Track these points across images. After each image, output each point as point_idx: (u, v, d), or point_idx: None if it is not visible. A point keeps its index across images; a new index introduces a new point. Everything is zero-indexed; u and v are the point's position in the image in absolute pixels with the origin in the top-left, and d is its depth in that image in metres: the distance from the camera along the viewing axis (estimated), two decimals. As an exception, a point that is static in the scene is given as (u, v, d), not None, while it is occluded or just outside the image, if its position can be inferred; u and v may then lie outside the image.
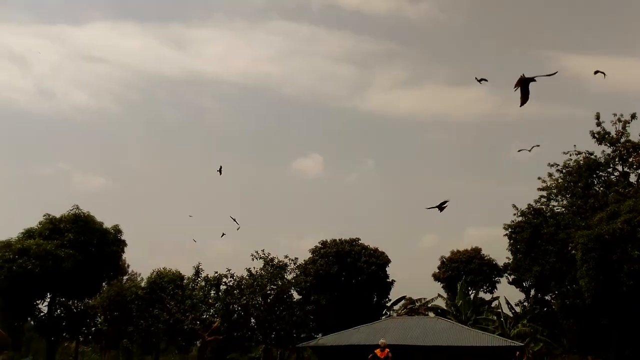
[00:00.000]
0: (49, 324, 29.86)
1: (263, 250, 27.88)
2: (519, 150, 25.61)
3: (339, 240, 38.25)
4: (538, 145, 15.01)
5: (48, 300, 30.05)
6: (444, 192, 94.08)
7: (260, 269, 27.62)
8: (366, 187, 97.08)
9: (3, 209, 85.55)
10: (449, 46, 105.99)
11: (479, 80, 9.62)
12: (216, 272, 27.73)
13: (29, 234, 29.25)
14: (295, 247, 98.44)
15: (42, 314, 30.04)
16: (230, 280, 27.09)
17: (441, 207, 9.65)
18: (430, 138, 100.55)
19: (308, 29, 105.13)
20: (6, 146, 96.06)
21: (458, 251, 41.98)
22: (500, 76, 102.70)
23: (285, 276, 27.96)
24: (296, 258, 28.81)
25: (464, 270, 39.55)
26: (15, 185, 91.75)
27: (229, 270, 27.35)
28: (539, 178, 33.49)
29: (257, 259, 27.76)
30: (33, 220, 30.67)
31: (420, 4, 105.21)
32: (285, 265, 28.02)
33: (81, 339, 42.62)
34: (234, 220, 20.16)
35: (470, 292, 36.53)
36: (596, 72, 10.22)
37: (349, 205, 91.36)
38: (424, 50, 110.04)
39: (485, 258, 40.93)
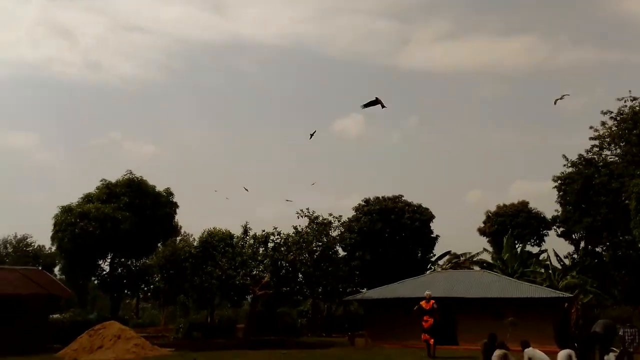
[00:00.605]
0: (111, 282, 31.98)
1: (308, 209, 28.44)
2: (556, 102, 20.64)
3: (382, 197, 38.43)
4: (565, 96, 14.19)
5: (109, 260, 32.07)
6: (490, 146, 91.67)
7: (306, 226, 28.22)
8: (409, 145, 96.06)
9: (63, 176, 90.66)
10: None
11: None
12: (263, 231, 28.63)
13: (88, 198, 31.00)
14: (339, 206, 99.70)
15: (104, 272, 32.13)
16: (277, 238, 27.88)
17: (378, 103, 9.61)
18: (476, 91, 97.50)
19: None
20: (62, 118, 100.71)
21: (504, 205, 41.36)
22: (551, 23, 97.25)
23: (330, 233, 28.46)
24: (340, 216, 29.22)
25: (510, 224, 39.03)
26: (72, 155, 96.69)
27: (275, 228, 28.14)
28: (591, 127, 32.19)
29: (302, 217, 28.36)
30: (90, 186, 32.44)
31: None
32: (330, 222, 28.47)
33: (141, 296, 45.45)
34: (246, 189, 21.98)
35: (517, 246, 36.15)
36: None
37: (392, 163, 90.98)
38: (467, 0, 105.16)
39: (533, 211, 40.16)
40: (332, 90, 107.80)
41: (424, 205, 38.11)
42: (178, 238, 39.75)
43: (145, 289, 36.93)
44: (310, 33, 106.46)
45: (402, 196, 38.49)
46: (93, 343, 21.26)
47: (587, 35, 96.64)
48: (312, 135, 18.43)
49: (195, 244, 31.88)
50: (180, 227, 44.17)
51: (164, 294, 37.67)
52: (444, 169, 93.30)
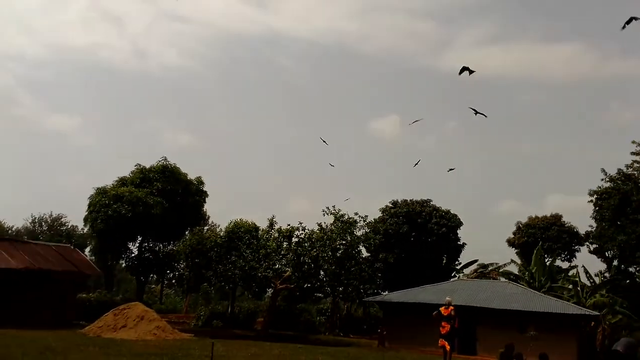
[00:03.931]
0: (138, 265, 32.75)
1: (334, 207, 28.48)
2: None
3: (410, 200, 38.15)
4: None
5: (138, 243, 32.83)
6: (528, 156, 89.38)
7: (331, 224, 28.27)
8: (444, 149, 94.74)
9: (102, 160, 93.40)
10: None
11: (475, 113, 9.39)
12: (289, 225, 28.87)
13: (122, 182, 31.79)
14: (367, 206, 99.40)
15: (132, 255, 32.93)
16: (302, 233, 28.05)
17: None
18: (518, 98, 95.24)
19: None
20: (106, 103, 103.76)
21: (536, 217, 40.46)
22: (602, 30, 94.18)
23: (355, 232, 28.41)
24: (366, 216, 29.12)
25: (541, 237, 38.15)
26: (112, 139, 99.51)
27: (300, 223, 28.33)
28: (634, 142, 31.13)
29: (327, 214, 28.42)
30: (126, 170, 33.32)
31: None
32: (355, 222, 28.42)
33: (165, 282, 46.40)
34: (324, 141, 22.60)
35: (546, 260, 35.28)
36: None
37: (424, 166, 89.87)
38: (513, 3, 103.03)
39: (566, 225, 39.13)
40: (369, 90, 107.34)
41: (452, 212, 37.69)
42: (205, 227, 40.48)
43: (170, 275, 37.64)
44: (349, 30, 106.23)
45: (430, 200, 38.16)
46: (117, 322, 21.87)
47: (638, 46, 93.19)
48: (417, 163, 19.31)
49: (221, 234, 32.38)
50: (208, 217, 44.98)
51: (188, 282, 38.36)
52: (478, 177, 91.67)
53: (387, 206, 38.39)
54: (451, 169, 19.15)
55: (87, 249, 48.48)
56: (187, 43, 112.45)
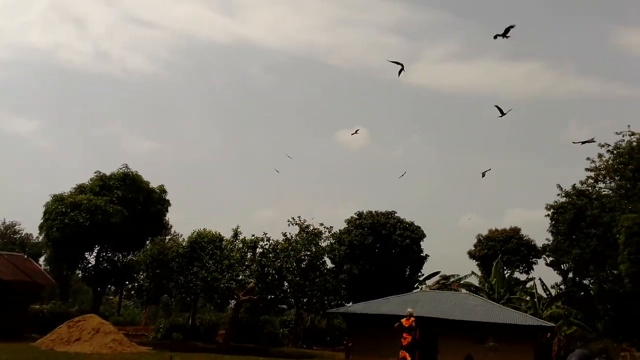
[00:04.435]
0: (95, 275, 31.65)
1: (299, 217, 28.43)
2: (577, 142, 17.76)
3: (375, 212, 38.47)
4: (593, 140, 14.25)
5: (95, 253, 31.75)
6: (490, 171, 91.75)
7: (296, 234, 28.16)
8: (410, 161, 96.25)
9: (60, 165, 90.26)
10: (505, 18, 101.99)
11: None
12: (253, 235, 28.58)
13: (80, 189, 30.74)
14: (333, 217, 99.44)
15: (89, 265, 31.82)
16: (266, 244, 27.80)
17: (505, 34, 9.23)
18: (480, 114, 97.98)
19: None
20: (66, 106, 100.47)
21: (496, 230, 41.46)
22: (559, 50, 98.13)
23: (320, 243, 28.37)
24: (331, 227, 29.18)
25: (500, 250, 39.08)
26: (72, 144, 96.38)
27: (265, 234, 28.09)
28: (588, 158, 32.39)
29: (293, 225, 28.33)
30: (85, 177, 32.25)
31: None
32: (320, 232, 28.42)
33: (124, 293, 45.00)
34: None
35: (505, 272, 36.15)
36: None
37: (390, 178, 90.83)
38: (478, 22, 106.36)
39: (524, 238, 40.26)
40: (338, 100, 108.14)
41: (416, 224, 38.18)
42: (167, 237, 39.57)
43: (130, 286, 36.56)
44: (319, 41, 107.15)
45: (395, 212, 38.58)
46: (71, 335, 21.04)
47: (595, 66, 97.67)
48: (484, 174, 17.77)
49: (183, 244, 31.74)
50: (171, 226, 44.05)
51: (148, 293, 37.36)
52: (441, 189, 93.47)
53: (352, 217, 38.60)
54: (485, 171, 17.80)
55: (42, 258, 46.58)
56: (153, 48, 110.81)
